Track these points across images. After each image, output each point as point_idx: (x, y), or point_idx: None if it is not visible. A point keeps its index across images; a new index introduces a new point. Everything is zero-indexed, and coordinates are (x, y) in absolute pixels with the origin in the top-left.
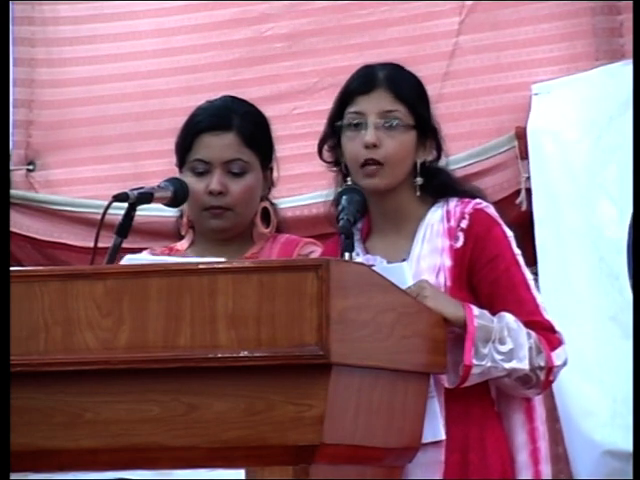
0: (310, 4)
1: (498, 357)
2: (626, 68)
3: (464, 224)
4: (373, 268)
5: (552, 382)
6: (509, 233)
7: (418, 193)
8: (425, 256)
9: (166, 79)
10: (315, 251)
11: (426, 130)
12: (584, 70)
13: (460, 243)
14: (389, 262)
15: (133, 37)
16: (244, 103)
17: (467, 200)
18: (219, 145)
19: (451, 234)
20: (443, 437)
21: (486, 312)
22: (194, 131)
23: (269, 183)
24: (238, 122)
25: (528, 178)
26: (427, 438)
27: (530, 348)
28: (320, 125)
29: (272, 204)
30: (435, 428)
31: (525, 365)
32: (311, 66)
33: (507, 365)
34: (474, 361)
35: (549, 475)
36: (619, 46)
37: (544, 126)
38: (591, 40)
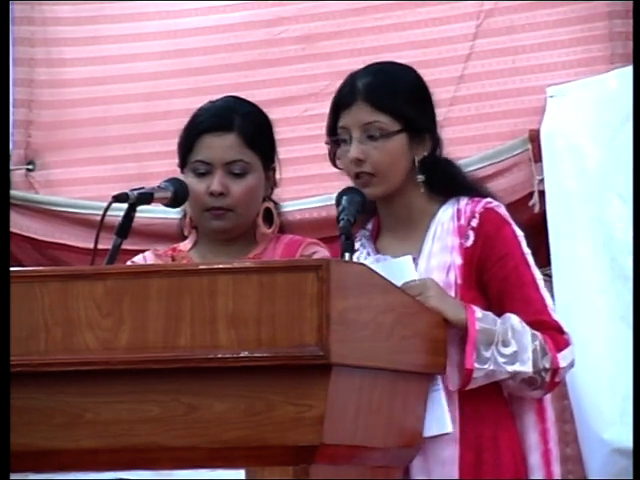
0: (324, 6)
1: (501, 360)
2: None
3: (474, 223)
4: (375, 264)
5: (558, 383)
6: (519, 233)
7: (422, 190)
8: (435, 254)
9: (175, 80)
10: (318, 251)
11: (419, 128)
12: (600, 74)
13: (470, 242)
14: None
15: (140, 39)
16: (246, 103)
17: (478, 199)
18: (220, 146)
19: (461, 232)
20: (449, 430)
21: (490, 314)
22: (195, 132)
23: (271, 183)
24: (239, 122)
25: (541, 180)
26: (432, 432)
27: (534, 350)
28: None
29: (276, 204)
30: (441, 421)
31: (529, 368)
32: (323, 69)
33: (510, 368)
34: (476, 365)
35: (560, 475)
36: None
37: (558, 128)
38: (607, 44)
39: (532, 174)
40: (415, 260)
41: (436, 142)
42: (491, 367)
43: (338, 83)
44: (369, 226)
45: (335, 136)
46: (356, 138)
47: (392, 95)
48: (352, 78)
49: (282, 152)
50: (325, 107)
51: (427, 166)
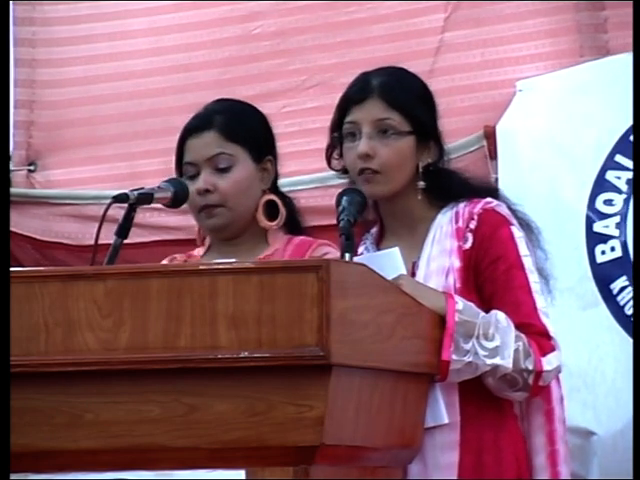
0: (297, 2)
1: (482, 352)
2: (609, 64)
3: (473, 225)
4: (366, 256)
5: (543, 388)
6: (518, 234)
7: (420, 197)
8: (435, 257)
9: (158, 78)
10: (329, 252)
11: (427, 133)
12: (569, 66)
13: (469, 244)
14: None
15: (126, 36)
16: (229, 102)
17: (477, 200)
18: (200, 144)
19: (459, 235)
20: (445, 421)
21: (473, 306)
22: (181, 138)
23: (270, 175)
24: (219, 119)
25: (497, 179)
26: (428, 423)
27: (517, 350)
28: (309, 123)
29: (283, 196)
30: (436, 412)
31: (508, 364)
32: (299, 64)
33: (489, 361)
34: (454, 356)
35: (568, 475)
36: (603, 42)
37: (521, 123)
38: (575, 36)
39: (489, 171)
40: (415, 264)
41: (441, 151)
42: (470, 359)
43: (315, 78)
44: (372, 231)
45: (339, 131)
46: (366, 133)
47: (407, 95)
48: (365, 76)
49: None
50: (303, 103)
51: (431, 174)
